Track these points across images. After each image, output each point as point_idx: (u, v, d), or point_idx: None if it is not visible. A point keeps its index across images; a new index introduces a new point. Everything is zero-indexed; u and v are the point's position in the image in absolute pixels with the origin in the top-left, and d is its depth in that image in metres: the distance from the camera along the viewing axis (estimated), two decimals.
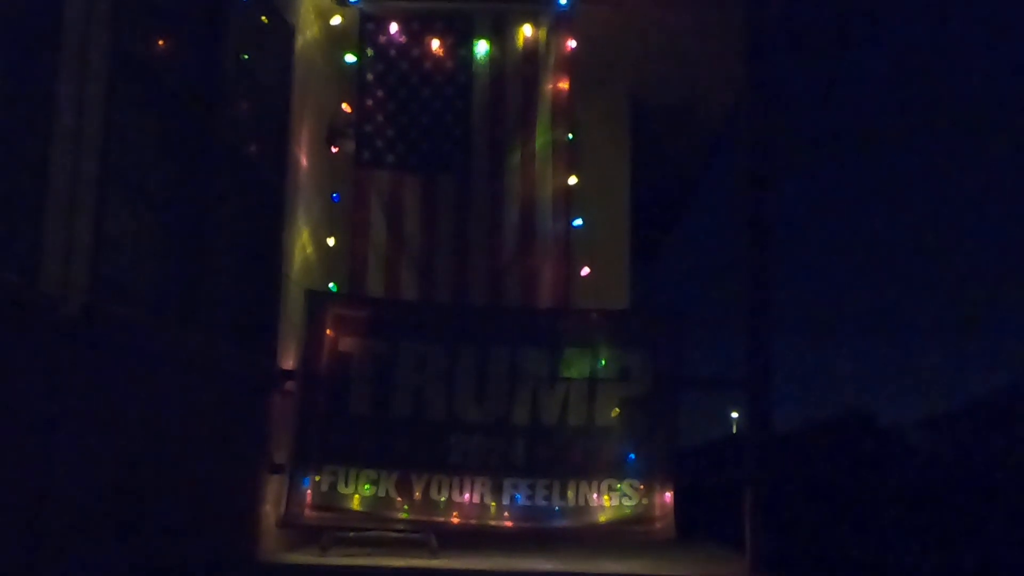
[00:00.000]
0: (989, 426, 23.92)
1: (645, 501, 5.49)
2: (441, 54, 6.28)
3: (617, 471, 5.52)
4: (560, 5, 6.25)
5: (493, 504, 5.49)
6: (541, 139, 6.24)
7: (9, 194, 3.28)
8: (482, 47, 6.30)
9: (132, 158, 4.12)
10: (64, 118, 3.48)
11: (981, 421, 24.66)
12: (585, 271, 6.35)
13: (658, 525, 5.48)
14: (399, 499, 5.48)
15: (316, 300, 5.75)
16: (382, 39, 6.27)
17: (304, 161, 6.18)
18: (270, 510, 5.54)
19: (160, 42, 4.44)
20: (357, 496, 5.48)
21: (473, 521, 5.47)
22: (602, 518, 5.49)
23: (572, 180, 6.21)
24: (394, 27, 6.27)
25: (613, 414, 5.60)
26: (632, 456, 5.55)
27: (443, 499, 5.48)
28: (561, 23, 6.28)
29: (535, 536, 5.56)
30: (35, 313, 3.32)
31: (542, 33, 6.30)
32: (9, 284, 3.21)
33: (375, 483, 5.48)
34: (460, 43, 6.29)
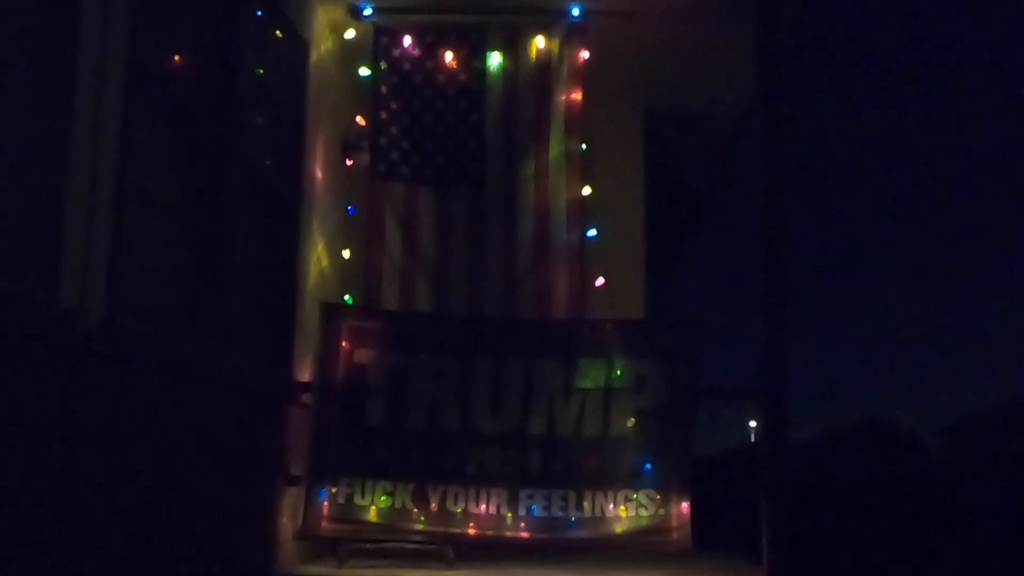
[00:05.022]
0: (1014, 434, 23.73)
1: (662, 511, 5.48)
2: (454, 66, 6.31)
3: (633, 481, 5.52)
4: (573, 16, 6.28)
5: (509, 515, 5.49)
6: (555, 150, 6.26)
7: (27, 209, 3.32)
8: (495, 59, 6.33)
9: (149, 173, 4.16)
10: (81, 134, 3.51)
11: (1005, 429, 24.47)
12: (600, 282, 6.35)
13: (675, 535, 5.47)
14: (415, 510, 5.49)
15: (331, 312, 5.78)
16: (396, 52, 6.31)
17: (319, 174, 6.22)
18: (287, 522, 5.56)
19: (176, 57, 4.48)
20: (374, 508, 5.49)
21: (489, 532, 5.48)
22: (618, 528, 5.48)
23: (586, 191, 6.23)
24: (408, 40, 6.30)
25: (629, 424, 5.59)
26: (648, 466, 5.55)
27: (459, 510, 5.49)
28: (574, 34, 6.30)
29: (551, 547, 5.55)
30: (53, 328, 3.35)
31: (555, 45, 6.32)
32: (28, 299, 3.24)
33: (391, 495, 5.49)
34: (473, 55, 6.32)
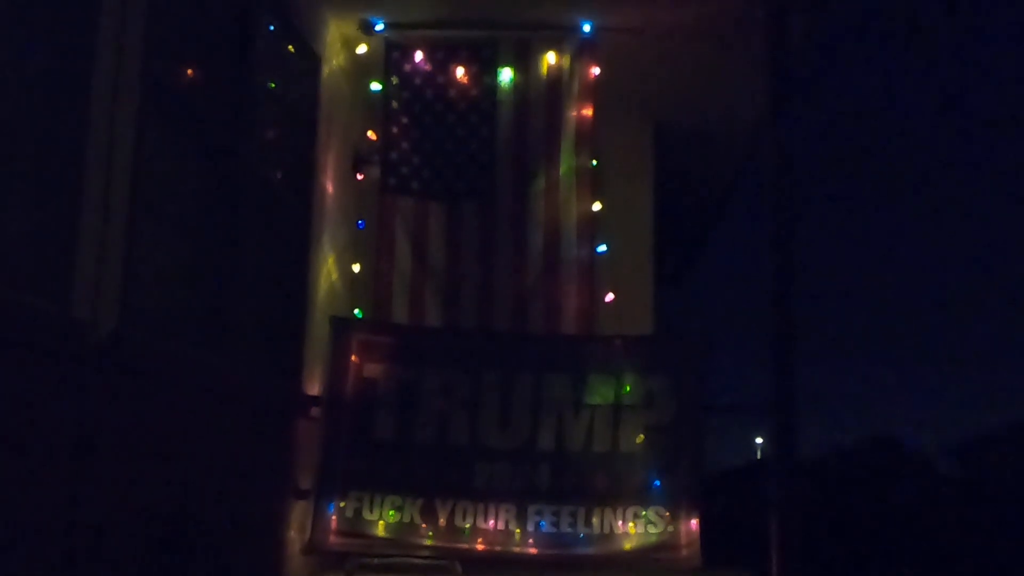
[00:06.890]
0: (1019, 452, 23.61)
1: (671, 528, 5.46)
2: (466, 82, 6.33)
3: (642, 498, 5.50)
4: (584, 32, 6.30)
5: (518, 531, 5.47)
6: (565, 165, 6.28)
7: (42, 221, 3.33)
8: (506, 74, 6.35)
9: (162, 186, 4.17)
10: (96, 147, 3.53)
11: (1014, 447, 24.36)
12: (609, 297, 6.35)
13: (684, 552, 5.45)
14: (424, 525, 5.47)
15: (341, 326, 5.78)
16: (407, 67, 6.33)
17: (330, 188, 6.23)
18: (295, 536, 5.55)
19: (189, 71, 4.51)
20: (382, 522, 5.48)
21: (498, 547, 5.46)
22: (627, 545, 5.46)
23: (596, 206, 6.23)
24: (419, 55, 6.33)
25: (638, 440, 5.58)
26: (657, 483, 5.53)
27: (468, 525, 5.48)
28: (584, 50, 6.32)
29: (560, 563, 5.52)
30: (66, 339, 3.35)
31: (566, 60, 6.34)
32: (41, 310, 3.25)
33: (400, 509, 5.48)
34: (484, 71, 6.34)
